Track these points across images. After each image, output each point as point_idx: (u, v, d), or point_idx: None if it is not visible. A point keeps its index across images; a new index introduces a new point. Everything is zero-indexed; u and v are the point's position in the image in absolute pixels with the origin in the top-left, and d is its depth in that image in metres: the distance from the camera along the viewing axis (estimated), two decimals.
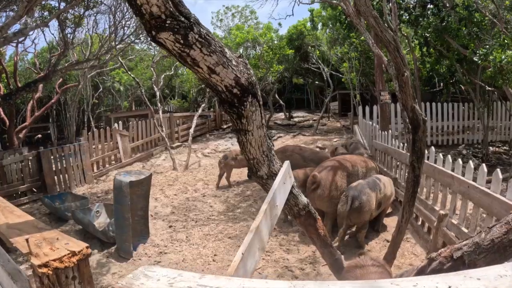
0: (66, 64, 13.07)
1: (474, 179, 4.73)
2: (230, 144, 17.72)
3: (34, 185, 10.74)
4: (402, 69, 4.24)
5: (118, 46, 12.69)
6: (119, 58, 13.71)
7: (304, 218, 3.76)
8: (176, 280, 1.25)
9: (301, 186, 6.94)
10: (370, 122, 12.88)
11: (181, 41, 2.39)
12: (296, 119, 25.24)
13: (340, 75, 21.83)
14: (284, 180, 3.42)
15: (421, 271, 2.80)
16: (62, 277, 1.41)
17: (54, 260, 1.42)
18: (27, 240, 1.53)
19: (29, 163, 10.77)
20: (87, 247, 1.50)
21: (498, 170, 4.34)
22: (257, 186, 10.15)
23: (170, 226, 7.57)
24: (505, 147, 13.69)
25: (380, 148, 9.47)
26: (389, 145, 8.76)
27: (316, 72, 24.59)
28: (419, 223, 6.41)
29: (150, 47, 19.22)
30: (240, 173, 11.68)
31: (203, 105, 16.59)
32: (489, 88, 12.79)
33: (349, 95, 23.39)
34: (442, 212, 5.15)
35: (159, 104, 15.20)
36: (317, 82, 26.93)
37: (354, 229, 6.41)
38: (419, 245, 5.95)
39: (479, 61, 10.10)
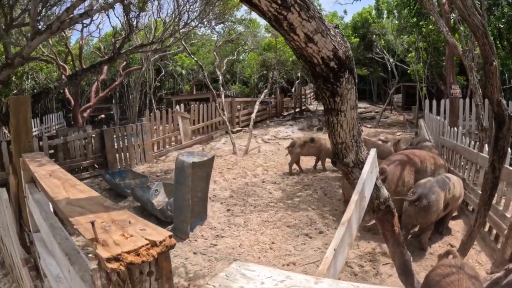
0: (131, 47, 13.22)
1: None
2: (290, 132, 17.53)
3: (96, 162, 11.02)
4: (491, 57, 3.94)
5: (181, 30, 12.66)
6: (183, 42, 13.72)
7: (382, 212, 3.50)
8: (286, 284, 1.04)
9: None
10: (438, 117, 12.35)
11: (279, 1, 2.13)
12: (359, 109, 24.49)
13: (405, 67, 20.87)
14: (372, 169, 3.21)
15: (495, 283, 2.73)
16: (135, 272, 1.07)
17: (128, 253, 1.06)
18: (92, 223, 1.19)
19: (92, 141, 11.10)
20: (170, 236, 1.15)
21: None
22: (317, 175, 10.04)
23: (228, 210, 7.49)
24: None
25: (449, 145, 8.93)
26: (458, 142, 8.20)
27: (380, 62, 23.86)
28: (486, 229, 5.91)
29: (213, 32, 19.18)
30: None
31: (265, 91, 16.40)
32: None
33: (414, 88, 22.45)
34: None
35: (221, 89, 15.13)
36: (380, 73, 26.11)
37: (417, 229, 6.01)
38: (484, 253, 5.46)
39: None
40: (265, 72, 25.36)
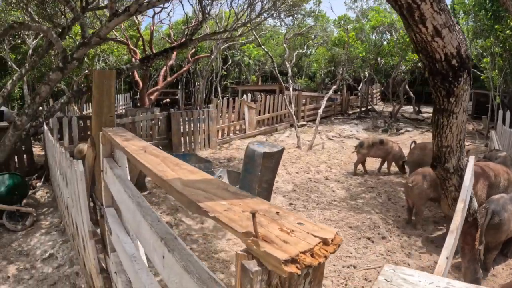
0: (200, 35, 13.46)
1: None
2: (355, 131, 17.30)
3: (161, 143, 11.30)
4: None
5: (253, 21, 12.71)
6: (253, 32, 13.78)
7: (469, 225, 3.42)
8: None
9: (432, 182, 6.55)
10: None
11: None
12: (424, 115, 23.87)
13: (478, 73, 19.81)
14: (472, 177, 3.13)
15: None
16: (295, 275, 0.90)
17: (304, 253, 0.89)
18: (253, 214, 1.00)
19: (159, 122, 11.46)
20: (337, 233, 0.99)
21: None
22: (381, 179, 9.87)
23: (291, 204, 7.52)
24: None
25: None
26: None
27: None
28: None
29: (282, 24, 19.11)
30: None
31: (333, 87, 16.17)
32: None
33: (486, 96, 21.36)
34: None
35: (290, 81, 15.08)
36: None
37: (481, 247, 5.49)
38: None
39: None
40: (332, 68, 25.10)
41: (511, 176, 6.65)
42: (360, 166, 10.53)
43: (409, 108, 24.13)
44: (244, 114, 13.90)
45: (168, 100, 25.87)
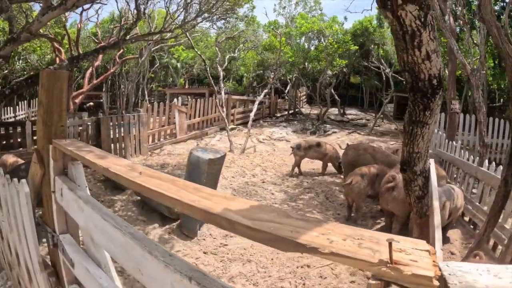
0: (136, 34, 12.95)
1: None
2: (285, 133, 17.49)
3: None
4: None
5: (190, 22, 12.34)
6: (187, 34, 13.44)
7: (426, 218, 3.67)
8: None
9: (370, 180, 7.03)
10: (437, 130, 12.58)
11: (422, 19, 2.35)
12: (349, 116, 24.74)
13: (400, 77, 21.15)
14: (435, 178, 3.63)
15: None
16: None
17: (435, 266, 0.88)
18: (390, 242, 0.92)
19: (88, 128, 10.78)
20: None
21: None
22: (316, 179, 10.04)
23: None
24: None
25: (446, 158, 9.09)
26: (456, 156, 8.38)
27: (374, 71, 24.04)
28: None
29: (213, 27, 18.96)
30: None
31: (265, 90, 16.28)
32: None
33: (407, 99, 22.62)
34: None
35: (221, 84, 14.96)
36: (375, 82, 26.31)
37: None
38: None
39: None
40: (261, 71, 25.28)
41: (440, 171, 7.00)
42: (296, 168, 10.63)
43: (334, 111, 24.82)
44: (174, 118, 13.56)
45: (91, 103, 24.58)
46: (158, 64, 25.87)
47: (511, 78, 4.06)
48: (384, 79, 23.18)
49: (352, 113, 26.78)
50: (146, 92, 24.82)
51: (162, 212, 6.72)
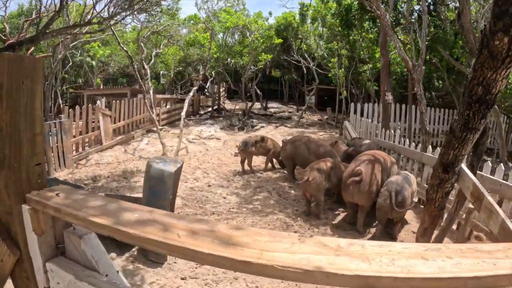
0: (58, 28, 11.59)
1: None
2: (213, 131, 16.95)
3: None
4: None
5: (120, 14, 11.15)
6: (112, 29, 12.24)
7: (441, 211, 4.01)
8: None
9: (327, 174, 7.11)
10: (369, 120, 13.55)
11: None
12: (271, 110, 24.83)
13: (320, 71, 21.63)
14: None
15: None
16: None
17: None
18: None
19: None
20: None
21: None
22: (261, 177, 9.78)
23: None
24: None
25: (385, 145, 9.78)
26: (396, 143, 9.28)
27: (295, 65, 24.29)
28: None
29: (134, 21, 17.66)
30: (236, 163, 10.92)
31: (194, 88, 15.58)
32: None
33: (327, 90, 23.57)
34: (470, 206, 5.44)
35: (149, 84, 14.06)
36: (296, 77, 26.56)
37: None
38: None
39: None
40: (181, 68, 24.42)
41: (392, 159, 7.63)
42: (241, 166, 10.38)
43: (256, 105, 24.68)
44: (99, 123, 12.43)
45: None
46: (70, 63, 23.75)
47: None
48: (305, 72, 23.46)
49: (273, 106, 26.93)
50: (59, 95, 22.70)
51: (113, 237, 5.80)
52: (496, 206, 3.33)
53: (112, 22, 11.05)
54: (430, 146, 8.02)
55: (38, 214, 1.88)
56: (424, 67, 10.20)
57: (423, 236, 4.13)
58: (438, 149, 7.14)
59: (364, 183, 6.35)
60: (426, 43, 11.45)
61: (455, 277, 1.17)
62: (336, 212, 7.50)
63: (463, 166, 3.71)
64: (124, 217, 1.65)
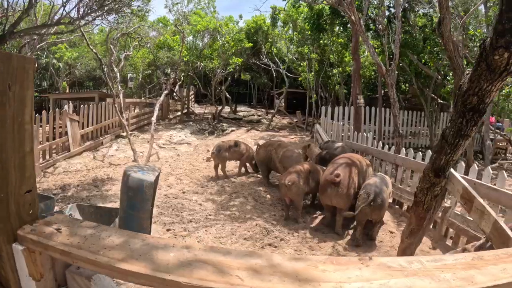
0: (25, 27, 11.09)
1: None
2: (184, 136, 16.74)
3: None
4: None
5: (91, 14, 10.75)
6: (82, 30, 11.85)
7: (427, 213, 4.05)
8: None
9: (305, 178, 7.12)
10: (341, 123, 13.66)
11: None
12: (240, 113, 24.76)
13: (289, 74, 21.79)
14: None
15: (480, 247, 3.43)
16: None
17: None
18: None
19: None
20: None
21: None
22: (235, 182, 9.73)
23: (169, 230, 6.42)
24: None
25: (359, 148, 9.91)
26: (369, 145, 9.51)
27: (264, 68, 24.33)
28: None
29: (103, 22, 17.12)
30: (208, 168, 10.76)
31: (165, 91, 15.33)
32: (441, 101, 14.96)
33: (296, 93, 23.73)
34: (446, 205, 5.88)
35: (119, 87, 13.71)
36: (265, 80, 26.58)
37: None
38: None
39: (451, 81, 11.38)
40: (149, 72, 24.03)
41: (367, 161, 7.72)
42: (215, 172, 10.23)
43: (225, 109, 24.57)
44: (66, 128, 12.02)
45: None
46: (36, 65, 22.96)
47: (457, 84, 4.74)
48: (275, 76, 23.50)
49: (242, 110, 26.93)
50: None
51: None
52: (488, 207, 3.49)
53: (82, 22, 10.71)
54: (403, 148, 8.12)
55: (35, 256, 1.57)
56: (397, 72, 10.36)
57: (409, 237, 4.21)
58: (411, 150, 7.60)
59: (342, 186, 6.39)
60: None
61: (508, 282, 1.25)
62: (314, 215, 7.48)
63: (452, 170, 3.85)
64: (161, 259, 1.38)
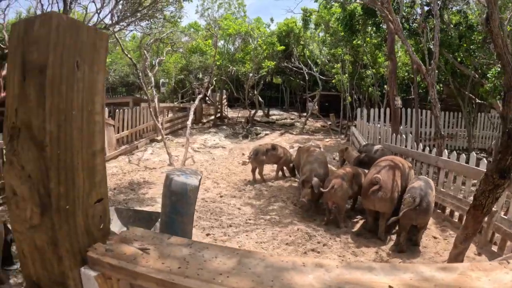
0: None
1: None
2: (218, 140, 16.78)
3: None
4: None
5: (126, 21, 10.83)
6: (116, 36, 12.00)
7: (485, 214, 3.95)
8: None
9: (350, 182, 6.96)
10: (379, 125, 13.53)
11: None
12: (273, 117, 24.66)
13: (322, 77, 21.55)
14: None
15: None
16: None
17: None
18: None
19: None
20: None
21: None
22: (272, 186, 9.58)
23: (208, 234, 6.33)
24: (482, 154, 13.95)
25: (398, 150, 9.62)
26: (409, 147, 9.22)
27: (296, 71, 24.16)
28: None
29: (136, 29, 17.20)
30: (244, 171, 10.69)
31: (199, 96, 15.35)
32: (479, 101, 14.53)
33: (330, 96, 23.43)
34: (494, 208, 5.41)
35: (154, 92, 13.79)
36: (300, 82, 26.38)
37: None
38: None
39: (491, 79, 10.90)
40: (182, 77, 24.15)
41: (409, 163, 7.43)
42: (252, 175, 10.14)
43: (259, 112, 24.53)
44: None
45: None
46: None
47: (508, 82, 4.43)
48: (307, 78, 23.32)
49: (275, 113, 26.85)
50: None
51: None
52: None
53: (116, 28, 10.79)
54: (446, 150, 7.87)
55: (111, 283, 1.25)
56: (437, 71, 10.06)
57: (464, 242, 4.05)
58: (454, 152, 7.38)
59: (385, 190, 6.21)
60: (432, 47, 11.36)
61: None
62: (355, 220, 7.32)
63: None
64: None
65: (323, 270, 1.15)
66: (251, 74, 20.64)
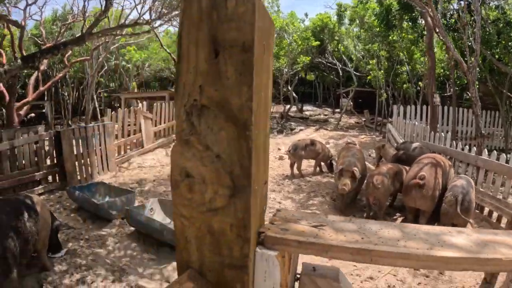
0: (102, 28, 11.42)
1: None
2: None
3: (51, 172, 8.65)
4: None
5: (167, 16, 11.04)
6: (155, 31, 12.18)
7: None
8: None
9: (392, 179, 6.93)
10: (416, 122, 13.27)
11: None
12: (307, 113, 24.62)
13: (356, 73, 21.51)
14: None
15: None
16: None
17: None
18: None
19: (44, 145, 8.70)
20: None
21: None
22: (310, 181, 9.65)
23: None
24: None
25: (436, 149, 9.36)
26: (447, 146, 9.10)
27: (331, 67, 23.99)
28: (503, 224, 6.60)
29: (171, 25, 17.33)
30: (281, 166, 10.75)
31: None
32: None
33: (364, 92, 23.18)
34: None
35: None
36: (334, 78, 26.21)
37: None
38: None
39: None
40: None
41: (449, 162, 7.45)
42: (290, 170, 10.20)
43: (293, 108, 24.51)
44: (140, 125, 12.32)
45: (33, 114, 21.90)
46: (106, 67, 23.61)
47: None
48: (341, 74, 23.22)
49: (308, 109, 26.77)
50: (95, 99, 22.51)
51: (170, 243, 5.41)
52: None
53: (157, 23, 10.98)
54: (485, 150, 7.77)
55: (284, 261, 1.29)
56: (478, 69, 9.85)
57: None
58: (495, 152, 7.31)
59: (427, 188, 6.22)
60: (469, 43, 11.11)
61: None
62: (394, 217, 7.31)
63: None
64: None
65: (465, 235, 1.32)
66: (285, 70, 20.62)
